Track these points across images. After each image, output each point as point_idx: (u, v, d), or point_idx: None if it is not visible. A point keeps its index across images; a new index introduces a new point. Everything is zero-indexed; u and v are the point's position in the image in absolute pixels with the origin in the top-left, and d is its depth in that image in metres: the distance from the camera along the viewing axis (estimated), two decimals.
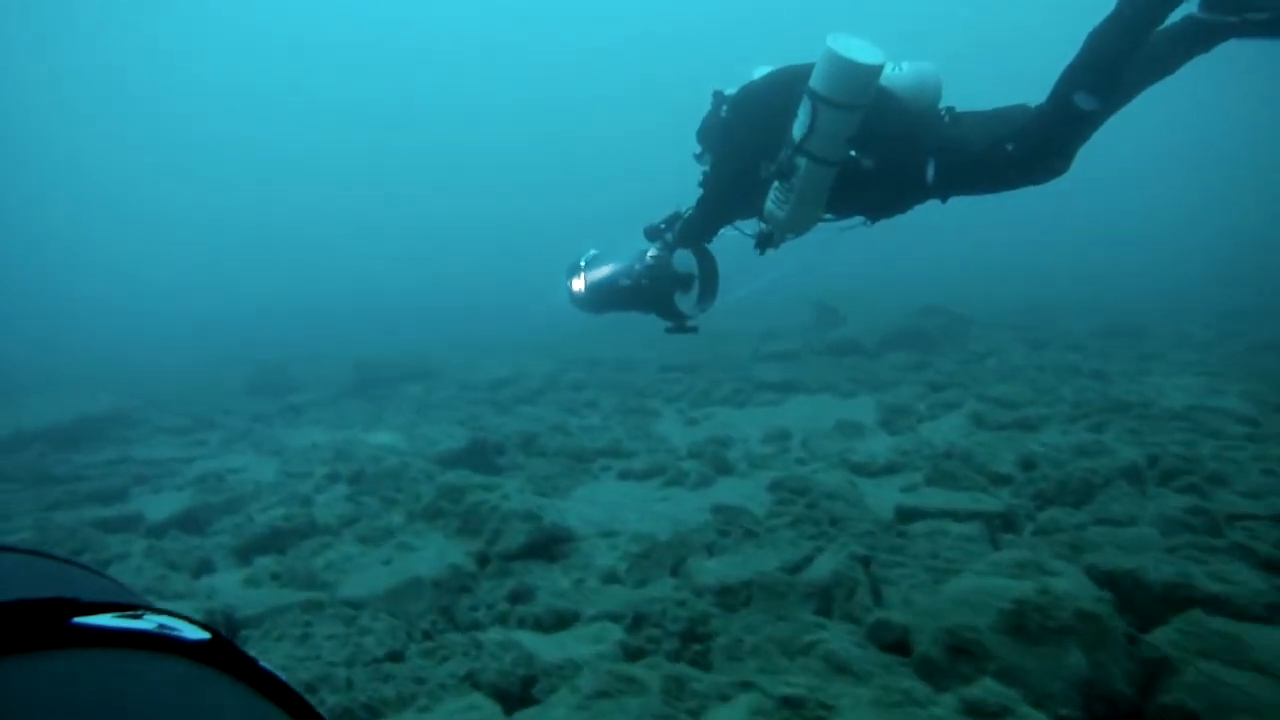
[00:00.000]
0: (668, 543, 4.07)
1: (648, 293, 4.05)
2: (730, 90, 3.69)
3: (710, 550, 4.03)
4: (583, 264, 4.32)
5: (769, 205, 3.48)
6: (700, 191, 3.84)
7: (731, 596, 3.44)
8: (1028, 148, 3.10)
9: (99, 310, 23.57)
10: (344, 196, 47.34)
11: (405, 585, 3.51)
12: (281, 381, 10.64)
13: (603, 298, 4.24)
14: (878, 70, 3.07)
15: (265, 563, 4.36)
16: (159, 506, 5.89)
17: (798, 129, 3.20)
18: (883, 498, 5.09)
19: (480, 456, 5.94)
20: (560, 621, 3.37)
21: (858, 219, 3.62)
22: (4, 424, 7.78)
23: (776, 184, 3.40)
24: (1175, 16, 2.83)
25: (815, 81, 3.10)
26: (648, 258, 4.06)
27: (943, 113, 3.37)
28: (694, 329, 4.21)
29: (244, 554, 4.53)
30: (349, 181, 48.52)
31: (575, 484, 5.75)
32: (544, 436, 6.55)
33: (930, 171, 3.27)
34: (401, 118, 51.47)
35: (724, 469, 5.84)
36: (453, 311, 18.52)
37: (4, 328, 19.83)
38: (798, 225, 3.54)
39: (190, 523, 5.14)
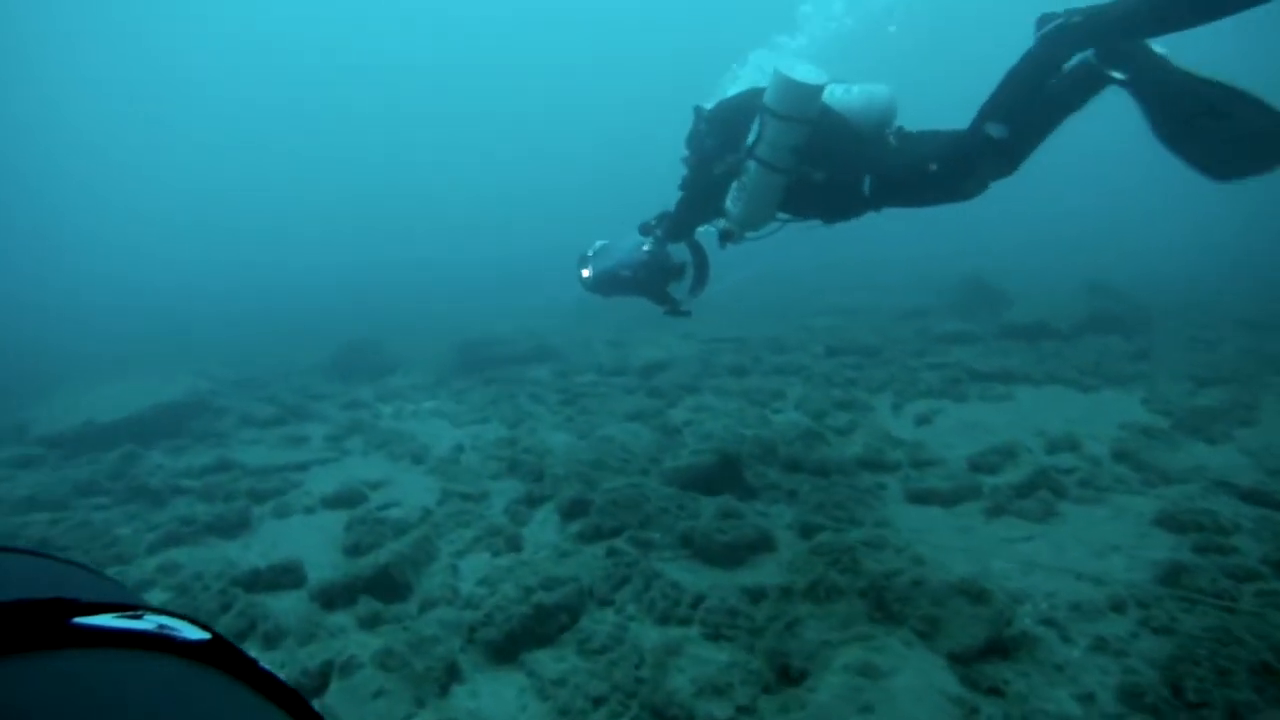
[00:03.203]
0: (1199, 646, 2.63)
1: (644, 283, 4.64)
2: (707, 106, 4.15)
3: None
4: (590, 254, 4.88)
5: (727, 203, 3.96)
6: (680, 193, 4.35)
7: None
8: (945, 170, 3.40)
9: (150, 290, 21.80)
10: (412, 169, 46.57)
11: None
12: (375, 361, 9.03)
13: (607, 285, 4.77)
14: (817, 89, 3.52)
15: (550, 666, 2.90)
16: (303, 543, 4.47)
17: (750, 136, 3.74)
18: None
19: (733, 475, 4.49)
20: None
21: (816, 221, 4.02)
22: (71, 415, 6.25)
23: (734, 184, 3.89)
24: (1073, 61, 3.10)
25: (766, 97, 3.61)
26: (642, 251, 4.63)
27: (890, 134, 3.73)
28: (687, 312, 4.70)
29: (503, 650, 3.06)
30: (418, 153, 47.66)
31: (869, 512, 4.31)
32: (783, 445, 5.09)
33: (866, 186, 3.63)
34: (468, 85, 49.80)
35: (1058, 492, 4.42)
36: (528, 282, 16.98)
37: (65, 312, 18.09)
38: (752, 222, 3.96)
39: (385, 586, 3.66)
